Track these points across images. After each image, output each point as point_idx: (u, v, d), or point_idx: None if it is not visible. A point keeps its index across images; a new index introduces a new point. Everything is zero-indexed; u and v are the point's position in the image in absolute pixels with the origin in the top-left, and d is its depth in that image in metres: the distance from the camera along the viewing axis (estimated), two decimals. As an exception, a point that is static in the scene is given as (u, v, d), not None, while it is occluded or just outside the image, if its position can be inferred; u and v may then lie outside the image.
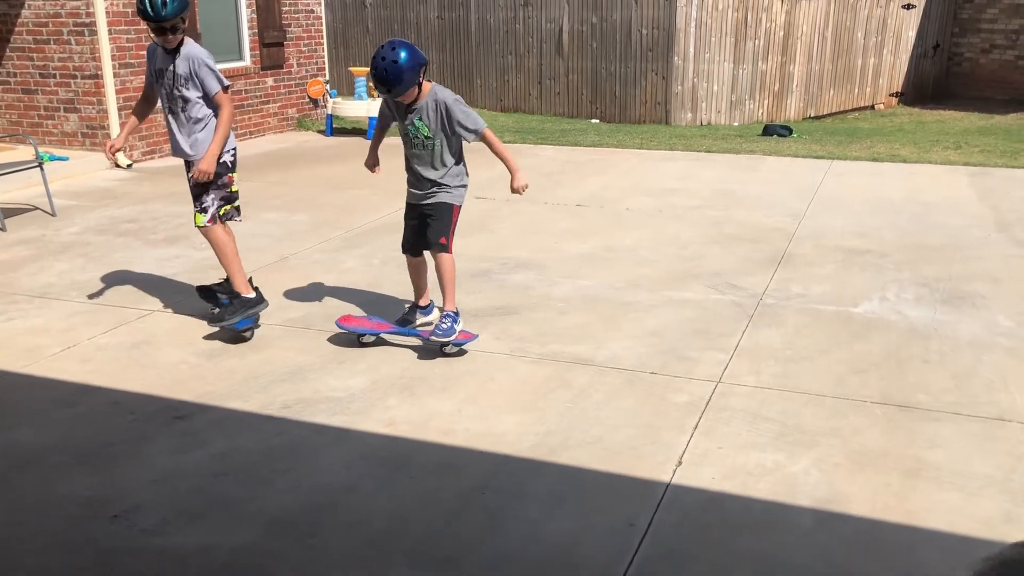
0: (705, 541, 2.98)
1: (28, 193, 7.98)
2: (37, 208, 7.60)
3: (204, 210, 4.68)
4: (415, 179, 4.55)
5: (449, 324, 4.45)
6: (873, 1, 15.43)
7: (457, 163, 4.55)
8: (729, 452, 3.53)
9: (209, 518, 3.13)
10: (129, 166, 9.48)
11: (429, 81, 4.41)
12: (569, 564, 2.88)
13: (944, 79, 16.90)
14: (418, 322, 4.74)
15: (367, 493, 3.29)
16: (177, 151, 4.76)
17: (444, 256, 4.47)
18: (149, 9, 4.31)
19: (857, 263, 5.97)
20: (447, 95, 4.40)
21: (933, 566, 2.85)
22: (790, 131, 12.23)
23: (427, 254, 4.63)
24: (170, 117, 4.67)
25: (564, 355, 4.51)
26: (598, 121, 14.47)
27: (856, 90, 15.77)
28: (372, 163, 4.85)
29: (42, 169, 7.53)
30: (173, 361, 4.46)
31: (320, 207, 7.68)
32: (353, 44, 18.05)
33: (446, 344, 4.47)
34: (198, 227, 4.74)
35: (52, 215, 7.39)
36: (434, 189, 4.49)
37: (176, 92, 4.57)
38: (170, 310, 5.18)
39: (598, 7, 14.41)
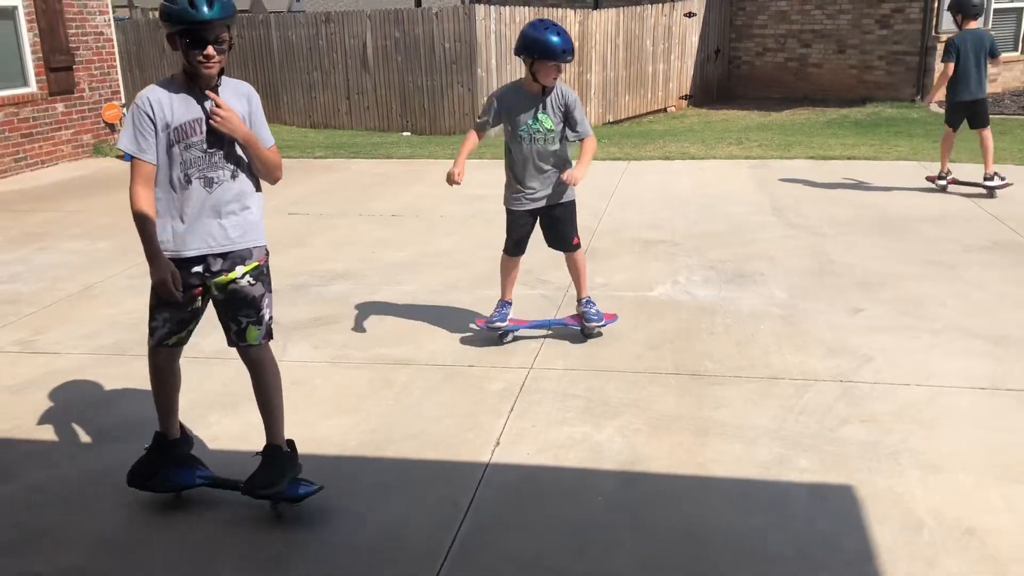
0: (522, 511, 3.23)
1: None
2: None
3: (260, 321, 3.26)
4: (538, 181, 4.58)
5: (596, 309, 4.74)
6: (658, 10, 16.50)
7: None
8: (542, 429, 3.81)
9: (30, 547, 3.07)
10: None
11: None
12: (397, 546, 3.04)
13: (727, 81, 18.28)
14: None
15: (192, 506, 3.32)
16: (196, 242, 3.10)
17: (579, 252, 4.73)
18: (203, 4, 2.90)
19: (652, 252, 6.47)
20: (569, 90, 4.53)
21: (720, 507, 3.22)
22: (591, 135, 12.88)
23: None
24: (192, 190, 3.06)
25: (386, 357, 4.66)
26: (409, 134, 14.68)
27: (649, 95, 16.79)
28: (459, 173, 4.64)
29: None
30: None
31: (124, 232, 7.44)
32: (149, 66, 17.41)
33: (600, 327, 4.77)
34: (251, 345, 3.28)
35: None
36: (561, 187, 4.58)
37: (216, 150, 3.06)
38: (-34, 349, 4.93)
39: (400, 21, 14.64)
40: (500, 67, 14.11)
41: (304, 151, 12.04)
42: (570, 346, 4.74)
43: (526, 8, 14.38)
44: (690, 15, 16.93)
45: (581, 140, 4.53)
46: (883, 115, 14.39)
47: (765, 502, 3.23)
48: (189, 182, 3.02)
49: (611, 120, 15.96)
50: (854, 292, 5.44)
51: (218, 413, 4.07)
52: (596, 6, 19.40)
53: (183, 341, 3.29)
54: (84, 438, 3.86)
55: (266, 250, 3.24)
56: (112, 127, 11.95)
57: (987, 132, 7.89)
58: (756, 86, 17.86)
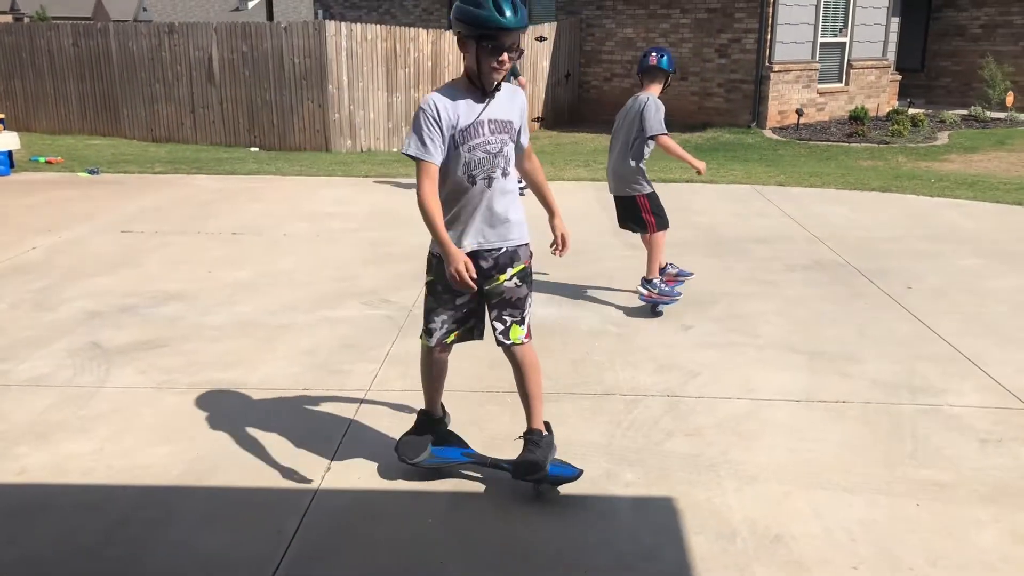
0: (349, 536, 3.17)
1: None
2: None
3: (523, 320, 3.40)
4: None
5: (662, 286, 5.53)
6: (510, 34, 16.78)
7: None
8: (375, 452, 3.75)
9: None
10: None
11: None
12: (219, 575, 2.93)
13: (577, 104, 18.76)
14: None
15: (-5, 546, 3.09)
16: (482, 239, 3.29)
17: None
18: (508, 9, 2.94)
19: (496, 271, 6.53)
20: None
21: (547, 523, 3.26)
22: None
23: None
24: (475, 190, 3.21)
25: (216, 382, 4.50)
26: (257, 149, 14.32)
27: (502, 115, 17.03)
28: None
29: None
30: None
31: (-65, 252, 6.91)
32: (-27, 72, 16.28)
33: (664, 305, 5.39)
34: (515, 344, 3.37)
35: None
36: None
37: (501, 149, 3.21)
38: None
39: (247, 36, 14.29)
40: (352, 83, 13.98)
41: (143, 166, 11.54)
42: (410, 367, 4.72)
43: (378, 26, 14.32)
44: (541, 39, 17.31)
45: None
46: (721, 140, 15.12)
47: (591, 517, 3.30)
48: (473, 182, 3.19)
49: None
50: (686, 310, 5.67)
51: (28, 445, 3.81)
52: (449, 28, 19.57)
53: (463, 339, 3.48)
54: None
55: (530, 251, 3.43)
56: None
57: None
58: (605, 110, 18.39)
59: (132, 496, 3.42)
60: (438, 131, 3.07)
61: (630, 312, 5.64)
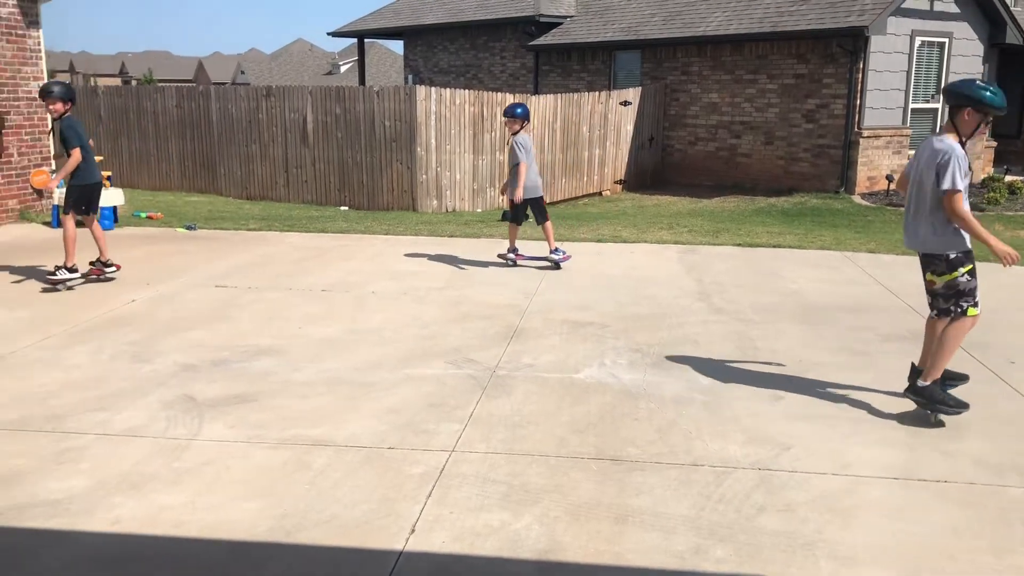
0: (434, 602, 3.14)
1: None
2: None
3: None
4: None
5: None
6: (595, 98, 16.97)
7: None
8: (459, 516, 3.73)
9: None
10: None
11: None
12: (301, 640, 2.92)
13: (660, 167, 18.78)
14: None
15: None
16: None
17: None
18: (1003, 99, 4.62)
19: (580, 334, 6.51)
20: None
21: (636, 599, 3.17)
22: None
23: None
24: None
25: (303, 438, 4.55)
26: (347, 208, 14.70)
27: (585, 178, 17.15)
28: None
29: None
30: None
31: (44, 302, 7.23)
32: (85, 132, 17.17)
33: None
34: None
35: None
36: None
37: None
38: None
39: (341, 99, 14.79)
40: (440, 146, 14.29)
41: (238, 223, 11.94)
42: (493, 429, 4.70)
43: (466, 91, 14.66)
44: (625, 104, 17.46)
45: None
46: (808, 205, 14.89)
47: (681, 593, 3.19)
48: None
49: (548, 202, 16.21)
50: (776, 379, 5.53)
51: (123, 495, 3.90)
52: (536, 92, 19.94)
53: None
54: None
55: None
56: (40, 193, 11.70)
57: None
58: (688, 173, 18.39)
59: (220, 551, 3.46)
60: (968, 171, 4.66)
61: (717, 379, 5.53)
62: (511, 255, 9.17)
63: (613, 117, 17.37)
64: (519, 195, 8.68)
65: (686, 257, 9.63)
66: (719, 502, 3.88)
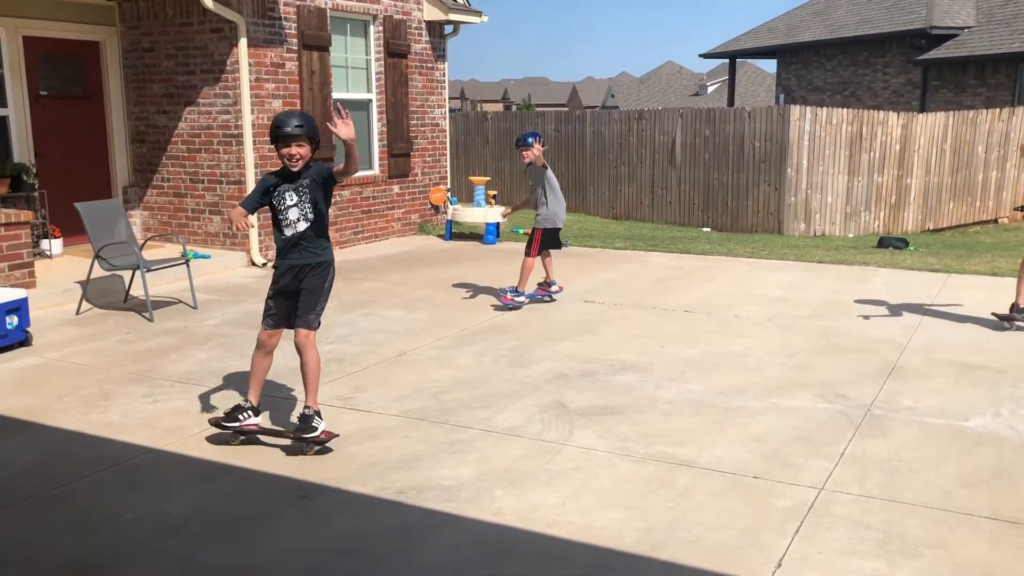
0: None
1: (174, 287, 8.72)
2: (181, 301, 8.29)
3: None
4: None
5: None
6: (994, 115, 15.30)
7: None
8: (829, 557, 3.56)
9: (328, 590, 3.37)
10: (264, 265, 10.21)
11: None
12: (665, 656, 2.97)
13: (1073, 193, 16.39)
14: None
15: (473, 576, 3.47)
16: None
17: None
18: None
19: (970, 378, 5.89)
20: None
21: None
22: (906, 243, 12.11)
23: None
24: None
25: (667, 456, 4.63)
26: (710, 230, 14.67)
27: (977, 203, 15.50)
28: None
29: (188, 266, 8.23)
30: (299, 445, 4.80)
31: (437, 306, 8.09)
32: (473, 154, 18.97)
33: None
34: None
35: (194, 308, 8.04)
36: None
37: None
38: (298, 398, 5.57)
39: (711, 120, 14.80)
40: (812, 167, 13.75)
41: (605, 241, 12.42)
42: (867, 471, 4.42)
43: (844, 110, 13.95)
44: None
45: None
46: None
47: None
48: None
49: (931, 228, 14.90)
50: None
51: (503, 489, 4.24)
52: (923, 108, 18.43)
53: None
54: (383, 494, 4.18)
55: None
56: (437, 209, 13.11)
57: None
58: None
59: (588, 555, 3.63)
60: None
61: None
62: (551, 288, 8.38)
63: (1016, 136, 15.51)
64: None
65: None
66: None
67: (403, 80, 12.24)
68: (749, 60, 46.92)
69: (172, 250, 9.64)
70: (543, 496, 4.16)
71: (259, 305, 8.27)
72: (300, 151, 4.58)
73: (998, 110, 15.42)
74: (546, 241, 8.21)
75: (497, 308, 7.97)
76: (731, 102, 25.63)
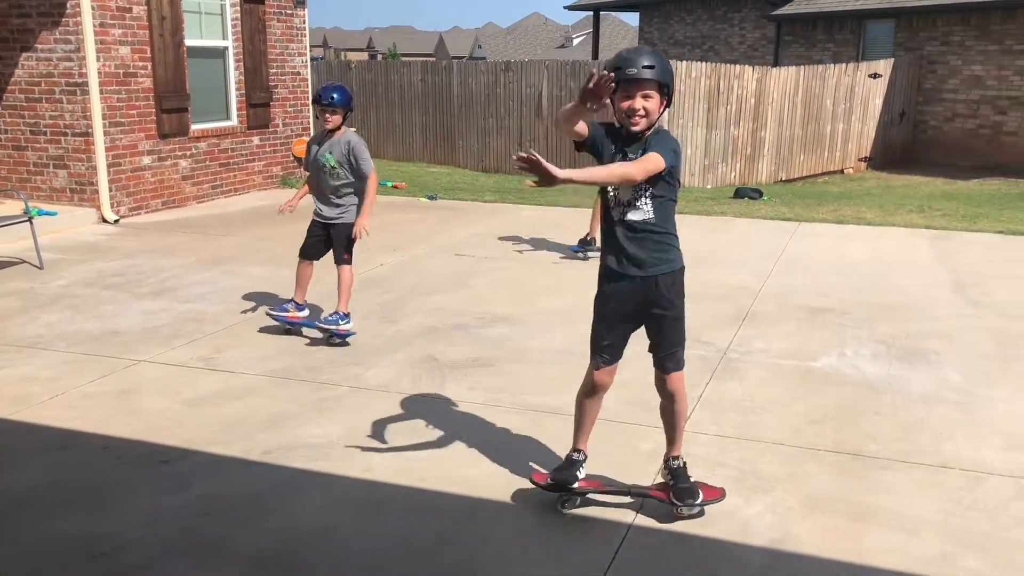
0: (662, 572, 3.17)
1: (16, 247, 8.17)
2: (25, 261, 7.78)
3: None
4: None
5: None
6: (841, 70, 16.05)
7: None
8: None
9: (195, 555, 3.29)
10: (116, 221, 9.69)
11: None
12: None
13: (911, 145, 17.49)
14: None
15: (346, 534, 3.46)
16: None
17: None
18: None
19: (818, 321, 6.25)
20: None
21: (875, 601, 3.05)
22: (760, 194, 12.64)
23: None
24: None
25: (537, 405, 4.71)
26: (576, 182, 14.86)
27: (826, 154, 16.30)
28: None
29: (31, 223, 7.72)
30: (158, 408, 4.63)
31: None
32: (338, 105, 18.37)
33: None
34: None
35: (40, 268, 7.57)
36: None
37: None
38: (155, 360, 5.35)
39: (576, 74, 14.92)
40: (672, 120, 14.09)
41: (475, 194, 12.42)
42: (723, 413, 4.64)
43: (703, 64, 14.33)
44: (875, 76, 16.38)
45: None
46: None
47: (925, 601, 3.03)
48: None
49: (784, 178, 15.59)
50: (1041, 382, 5.05)
51: (373, 445, 4.22)
52: (776, 63, 19.13)
53: None
54: (249, 456, 4.09)
55: None
56: (300, 161, 12.74)
57: None
58: (942, 152, 17.01)
59: (460, 505, 3.67)
60: None
61: (971, 378, 5.13)
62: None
63: (860, 90, 16.36)
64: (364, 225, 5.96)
65: (939, 244, 8.95)
66: (970, 509, 3.62)
67: (261, 27, 11.75)
68: (613, 13, 47.47)
69: (13, 207, 9.01)
70: (415, 451, 4.17)
71: (111, 264, 7.88)
72: (647, 104, 3.27)
73: (844, 65, 16.20)
74: None
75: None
76: (596, 55, 25.86)
